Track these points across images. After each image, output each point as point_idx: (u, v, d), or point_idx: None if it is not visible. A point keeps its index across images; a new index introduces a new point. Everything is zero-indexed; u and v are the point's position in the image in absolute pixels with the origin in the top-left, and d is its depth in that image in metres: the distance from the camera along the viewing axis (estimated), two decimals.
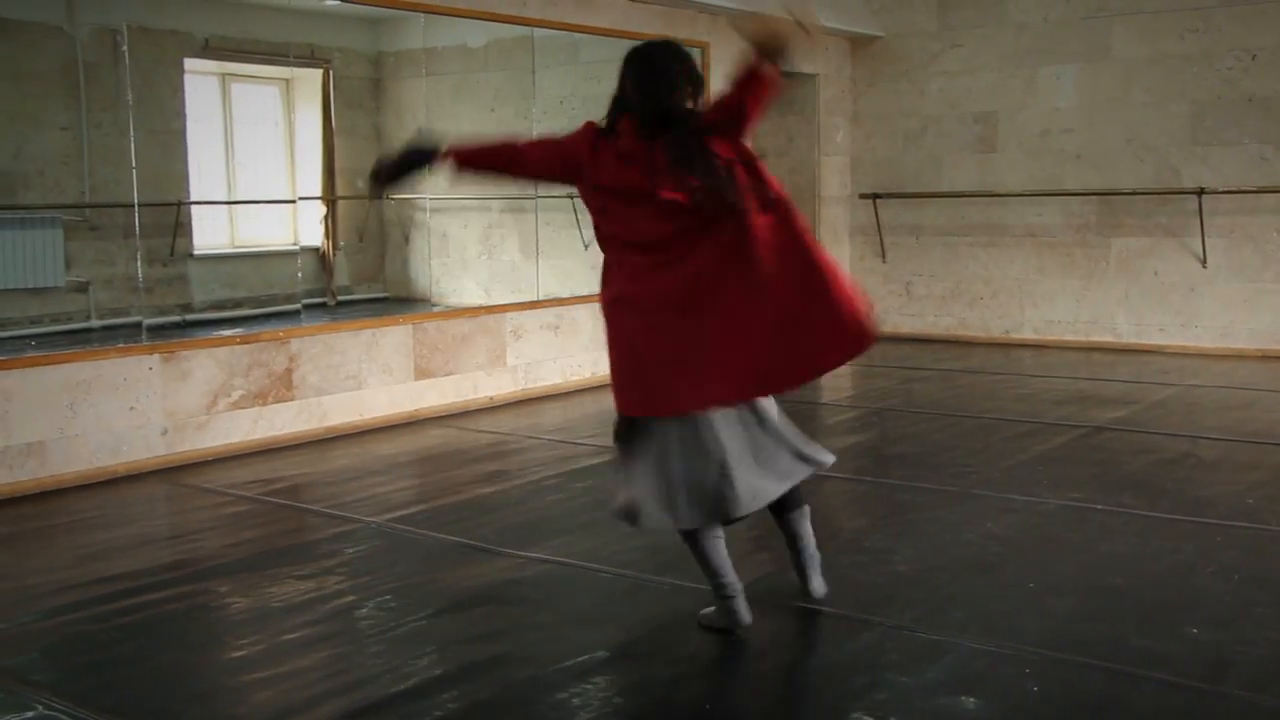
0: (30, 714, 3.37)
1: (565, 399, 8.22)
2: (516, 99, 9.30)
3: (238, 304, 9.54)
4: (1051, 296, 10.58)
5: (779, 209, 3.54)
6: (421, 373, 7.65)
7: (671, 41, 3.81)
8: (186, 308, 9.13)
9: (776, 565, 4.50)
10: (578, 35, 8.87)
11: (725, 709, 3.39)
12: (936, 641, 3.75)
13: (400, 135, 10.62)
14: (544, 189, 9.29)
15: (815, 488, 5.85)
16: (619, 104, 3.68)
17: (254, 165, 10.07)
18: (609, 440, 5.59)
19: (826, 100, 11.12)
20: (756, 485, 3.64)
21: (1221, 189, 9.64)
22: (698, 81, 3.69)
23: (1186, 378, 8.70)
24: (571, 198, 9.82)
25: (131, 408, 6.22)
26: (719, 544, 3.75)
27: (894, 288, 11.23)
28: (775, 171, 10.90)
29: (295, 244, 9.57)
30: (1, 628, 4.05)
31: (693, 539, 3.73)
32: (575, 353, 8.66)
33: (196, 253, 9.40)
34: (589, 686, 3.47)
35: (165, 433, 6.37)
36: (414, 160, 3.72)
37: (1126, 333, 10.25)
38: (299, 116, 10.23)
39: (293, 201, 10.18)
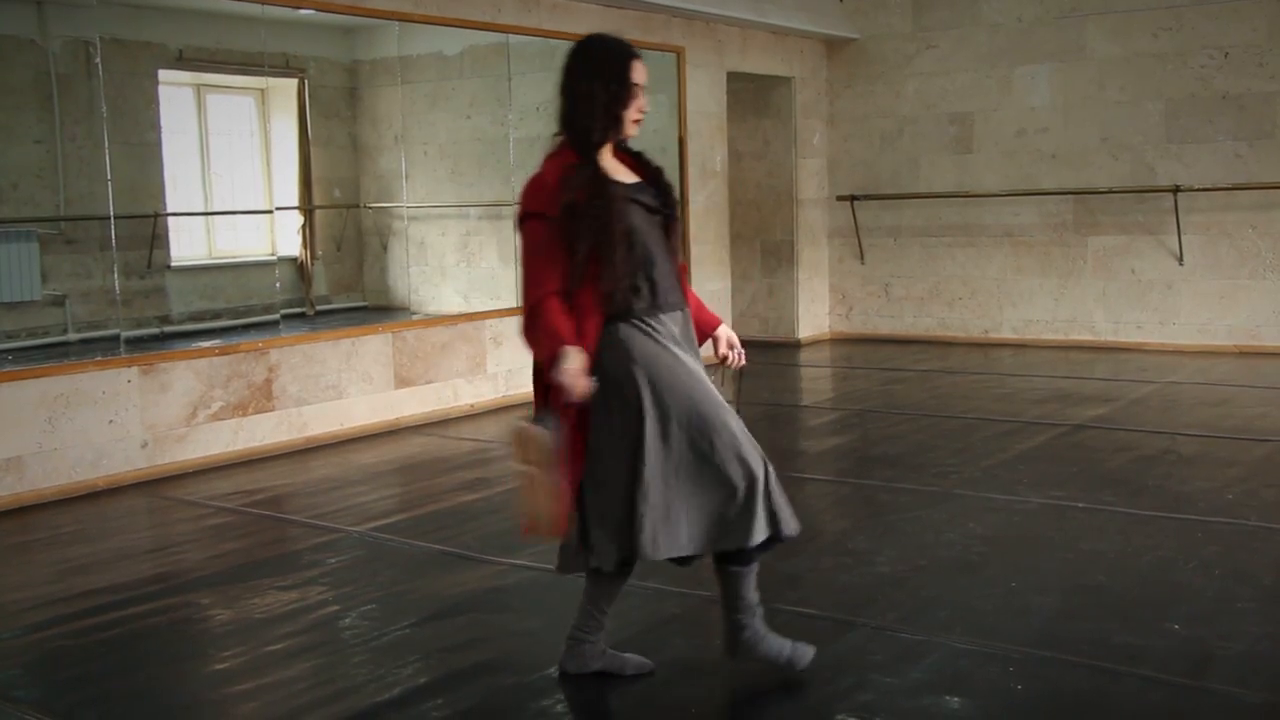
0: None
1: None
2: (492, 106, 9.30)
3: (216, 315, 9.50)
4: (1030, 296, 10.62)
5: None
6: (401, 381, 7.63)
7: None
8: (164, 320, 9.08)
9: (760, 567, 4.50)
10: (553, 41, 8.86)
11: (710, 712, 3.39)
12: (920, 641, 3.75)
13: (377, 144, 10.61)
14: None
15: (797, 491, 5.87)
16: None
17: (230, 176, 10.03)
18: None
19: (803, 103, 11.14)
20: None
21: (1197, 186, 9.69)
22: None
23: (1165, 375, 8.74)
24: None
25: (110, 421, 6.19)
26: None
27: (873, 289, 11.26)
28: (753, 175, 10.94)
29: (273, 254, 9.54)
30: None
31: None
32: None
33: (174, 264, 9.36)
34: (574, 692, 3.46)
35: (145, 445, 6.34)
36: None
37: (1105, 331, 10.30)
38: (274, 126, 10.20)
39: (270, 212, 10.15)
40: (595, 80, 3.35)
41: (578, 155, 3.35)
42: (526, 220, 3.29)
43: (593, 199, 3.28)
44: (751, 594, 3.45)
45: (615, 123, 3.36)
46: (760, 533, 3.29)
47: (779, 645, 3.48)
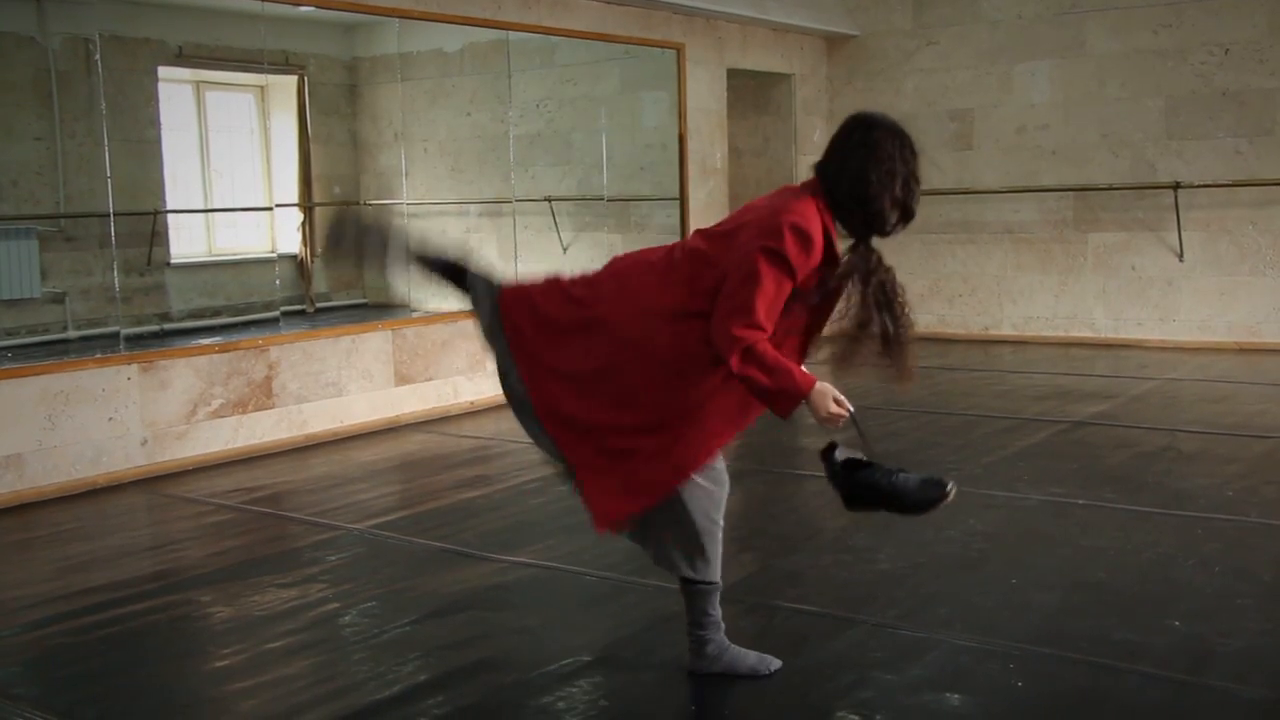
0: None
1: None
2: (493, 103, 9.29)
3: (216, 312, 9.51)
4: (1030, 292, 10.62)
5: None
6: (401, 379, 7.63)
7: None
8: (164, 317, 9.09)
9: (760, 565, 4.51)
10: (553, 38, 8.87)
11: (710, 710, 3.39)
12: (921, 639, 3.75)
13: (376, 141, 10.60)
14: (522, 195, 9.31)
15: (797, 488, 5.87)
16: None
17: (230, 173, 10.04)
18: None
19: (803, 99, 11.14)
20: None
21: (1197, 183, 9.69)
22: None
23: (1165, 371, 8.74)
24: (549, 199, 9.83)
25: (110, 418, 6.19)
26: None
27: None
28: (753, 172, 10.88)
29: (273, 251, 9.54)
30: None
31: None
32: None
33: (173, 262, 9.36)
34: (574, 690, 3.46)
35: (145, 443, 6.34)
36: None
37: (1105, 327, 10.30)
38: (274, 123, 10.20)
39: (269, 209, 10.15)
40: (902, 165, 3.24)
41: (840, 222, 3.23)
42: (775, 260, 3.09)
43: (868, 301, 3.30)
44: (714, 610, 3.49)
45: (905, 221, 3.29)
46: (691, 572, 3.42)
47: (741, 656, 3.52)
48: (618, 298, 3.29)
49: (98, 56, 7.35)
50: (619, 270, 3.37)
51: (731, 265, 3.14)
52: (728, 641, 3.51)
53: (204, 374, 6.61)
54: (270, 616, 4.16)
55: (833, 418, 3.17)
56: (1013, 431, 6.81)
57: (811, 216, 3.15)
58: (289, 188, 10.34)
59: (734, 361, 3.09)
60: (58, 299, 8.23)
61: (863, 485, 3.35)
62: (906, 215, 3.27)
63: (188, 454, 6.52)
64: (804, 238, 3.11)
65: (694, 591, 3.45)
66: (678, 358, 3.21)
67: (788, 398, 3.14)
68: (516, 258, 8.93)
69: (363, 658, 3.75)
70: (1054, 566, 4.47)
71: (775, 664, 3.52)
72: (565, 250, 9.66)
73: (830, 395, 3.17)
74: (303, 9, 7.79)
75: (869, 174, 3.19)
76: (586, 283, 3.35)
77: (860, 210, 3.22)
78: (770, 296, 3.10)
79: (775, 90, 11.11)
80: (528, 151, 9.33)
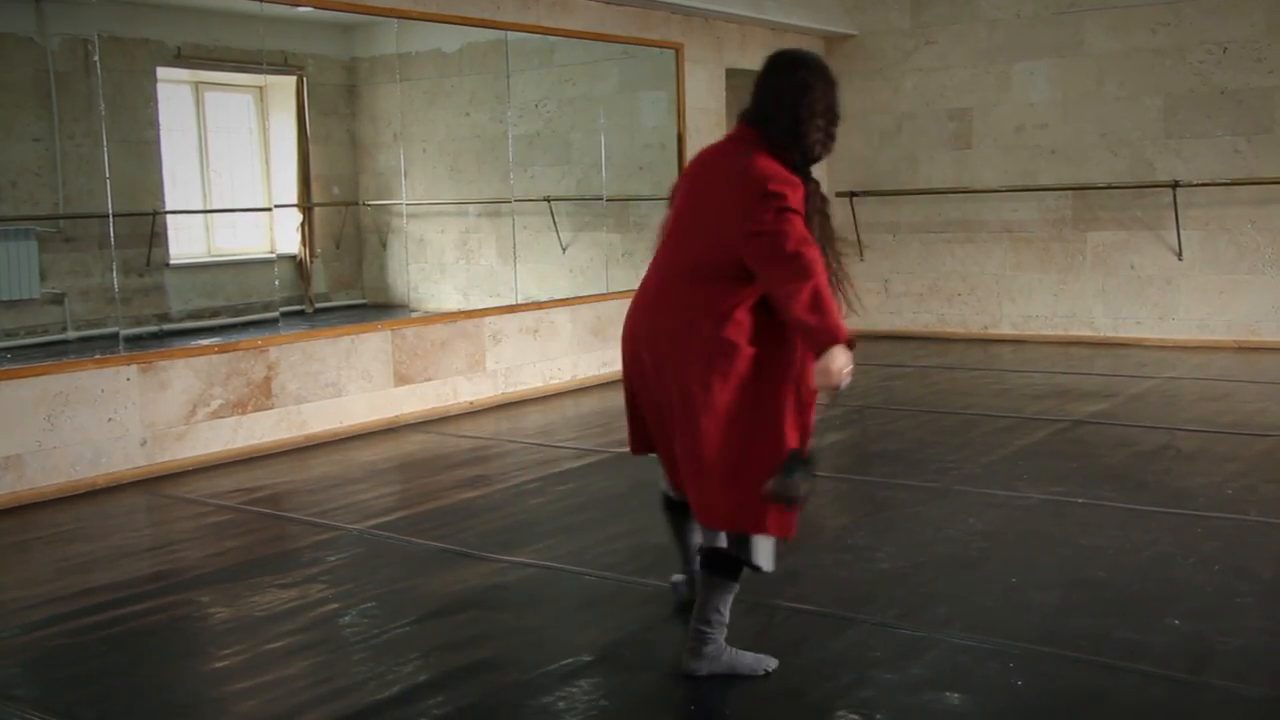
0: None
1: (545, 402, 8.21)
2: (491, 103, 9.30)
3: (215, 313, 9.50)
4: (1029, 291, 10.62)
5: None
6: (401, 379, 7.63)
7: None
8: (164, 318, 9.08)
9: None
10: (552, 38, 8.87)
11: (710, 709, 3.39)
12: (920, 638, 3.75)
13: (375, 141, 10.60)
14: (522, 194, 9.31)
15: None
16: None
17: (229, 173, 10.03)
18: (589, 443, 5.59)
19: None
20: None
21: (1196, 181, 9.69)
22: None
23: (1164, 370, 8.74)
24: (548, 199, 9.83)
25: (110, 419, 6.19)
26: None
27: (872, 285, 11.25)
28: None
29: (272, 252, 9.54)
30: None
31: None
32: (555, 356, 8.66)
33: (173, 262, 9.36)
34: (574, 689, 3.46)
35: (144, 443, 6.34)
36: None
37: (1104, 326, 10.30)
38: (273, 124, 10.20)
39: (269, 209, 10.15)
40: (825, 100, 3.43)
41: (786, 165, 3.36)
42: (792, 213, 3.26)
43: (819, 228, 3.42)
44: (726, 610, 3.49)
45: (830, 147, 3.46)
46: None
47: (738, 657, 3.52)
48: (656, 315, 3.45)
49: (96, 57, 7.35)
50: (646, 291, 3.54)
51: (756, 253, 3.25)
52: (725, 644, 3.51)
53: (203, 374, 6.61)
54: (270, 617, 4.16)
55: (835, 378, 3.17)
56: (1012, 430, 6.81)
57: (770, 163, 3.33)
58: (288, 188, 10.34)
59: (804, 287, 3.16)
60: (57, 300, 8.23)
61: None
62: (829, 141, 3.45)
63: (187, 454, 6.52)
64: (784, 180, 3.30)
65: (715, 585, 3.45)
66: (722, 339, 3.32)
67: (829, 336, 3.16)
68: (516, 258, 8.93)
69: (363, 658, 3.76)
70: (1053, 565, 4.47)
71: (772, 663, 3.53)
72: (565, 250, 9.66)
73: (845, 361, 3.18)
74: (301, 9, 7.78)
75: (801, 113, 3.39)
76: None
77: (796, 146, 3.39)
78: (806, 238, 3.26)
79: None
80: (527, 151, 9.33)
